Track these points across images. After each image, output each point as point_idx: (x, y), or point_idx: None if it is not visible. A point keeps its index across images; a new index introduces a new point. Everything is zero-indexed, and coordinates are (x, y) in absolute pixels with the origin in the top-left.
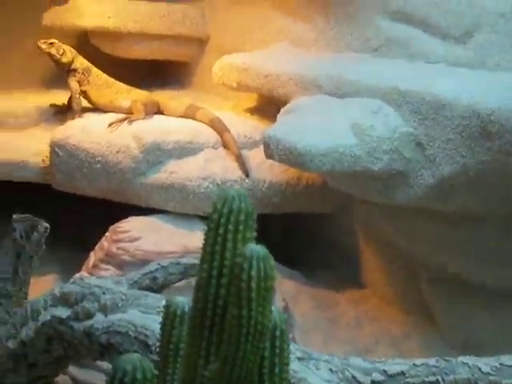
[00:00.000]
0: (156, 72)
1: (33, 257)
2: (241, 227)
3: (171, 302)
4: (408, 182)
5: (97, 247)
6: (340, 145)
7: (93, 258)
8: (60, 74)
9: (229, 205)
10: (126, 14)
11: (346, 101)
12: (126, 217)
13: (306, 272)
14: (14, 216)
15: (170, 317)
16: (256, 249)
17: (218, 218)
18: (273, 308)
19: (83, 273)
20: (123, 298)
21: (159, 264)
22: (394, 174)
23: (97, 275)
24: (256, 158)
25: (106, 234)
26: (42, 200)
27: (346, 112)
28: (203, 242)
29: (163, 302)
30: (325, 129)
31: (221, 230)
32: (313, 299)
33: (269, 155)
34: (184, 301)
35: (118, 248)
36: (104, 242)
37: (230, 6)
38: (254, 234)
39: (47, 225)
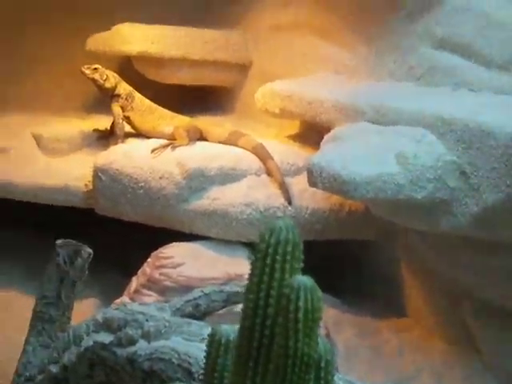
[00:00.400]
0: (198, 98)
1: (76, 282)
2: (288, 258)
3: (216, 331)
4: (451, 211)
5: (139, 272)
6: (384, 173)
7: (135, 283)
8: (102, 99)
9: (276, 235)
10: (169, 40)
11: (389, 129)
12: (168, 242)
13: (348, 299)
14: (58, 241)
15: (214, 345)
16: (303, 280)
17: (266, 248)
18: (319, 339)
19: (125, 298)
20: (166, 324)
21: (202, 291)
22: (438, 203)
23: (139, 301)
24: (299, 184)
25: (149, 259)
26: (83, 223)
27: (389, 140)
28: (250, 271)
29: (206, 330)
30: (368, 157)
31: (268, 260)
32: (355, 327)
33: (312, 183)
34: (229, 329)
35: (160, 274)
36: (146, 268)
37: (273, 33)
38: (301, 264)
39: (91, 250)
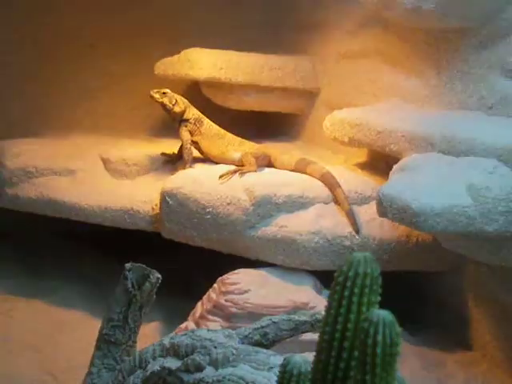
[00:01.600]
0: (266, 124)
1: (143, 306)
2: (366, 291)
3: (289, 361)
4: None
5: (204, 298)
6: (455, 205)
7: (200, 308)
8: (169, 123)
9: (355, 268)
10: (238, 66)
11: (460, 160)
12: (232, 268)
13: (415, 331)
14: (127, 265)
15: (286, 376)
16: (382, 314)
17: (344, 280)
18: (396, 374)
19: (189, 323)
20: (234, 352)
21: (271, 319)
22: (509, 236)
23: (204, 326)
24: (366, 213)
25: (214, 285)
26: (148, 245)
27: (460, 171)
28: (327, 303)
29: (274, 359)
30: (439, 188)
31: (346, 293)
32: (421, 359)
33: (382, 213)
34: (301, 360)
35: (226, 300)
36: (212, 293)
37: (341, 60)
38: (379, 298)
39: (159, 275)
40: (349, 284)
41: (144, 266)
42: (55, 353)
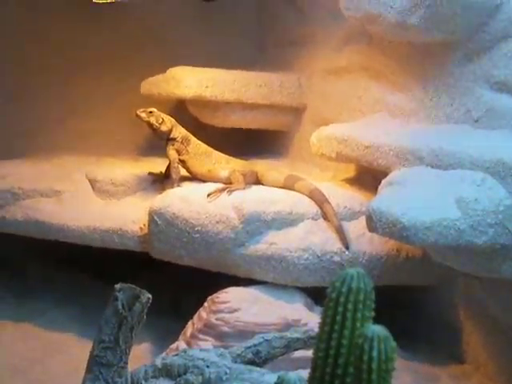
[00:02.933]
0: (252, 141)
1: (134, 327)
2: (360, 306)
3: (283, 379)
4: None
5: (195, 317)
6: (444, 218)
7: (191, 328)
8: (154, 142)
9: (348, 284)
10: (223, 84)
11: (448, 173)
12: (222, 286)
13: (406, 345)
14: (117, 285)
15: None
16: (377, 329)
17: (337, 296)
18: None
19: (181, 343)
20: (227, 371)
21: (263, 337)
22: (499, 249)
23: (195, 346)
24: (355, 229)
25: (205, 304)
26: (136, 266)
27: (449, 185)
28: (321, 320)
29: (267, 377)
30: (428, 202)
31: (339, 309)
32: (413, 373)
33: (372, 228)
34: (296, 378)
35: (217, 319)
36: (202, 313)
37: (327, 76)
38: (372, 313)
39: (149, 295)
40: (342, 300)
41: (134, 286)
42: (45, 376)
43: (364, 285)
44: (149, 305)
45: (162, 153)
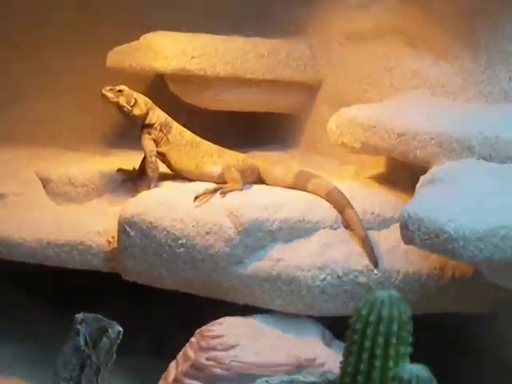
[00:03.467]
0: (252, 128)
1: (100, 369)
2: (393, 341)
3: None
4: None
5: (179, 356)
6: (502, 226)
7: (173, 370)
8: (128, 130)
9: (377, 311)
10: (215, 54)
11: (506, 167)
12: (217, 316)
13: (450, 380)
14: (78, 315)
15: None
16: (415, 370)
17: (364, 328)
18: None
19: None
20: None
21: (267, 382)
22: None
23: None
24: (387, 241)
25: (192, 339)
26: (106, 289)
27: (507, 182)
28: (342, 358)
29: None
30: (481, 205)
31: (367, 344)
32: None
33: (408, 239)
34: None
35: (208, 358)
36: (189, 350)
37: (349, 43)
38: (410, 348)
39: (120, 328)
40: (370, 332)
41: (100, 316)
42: None
43: (398, 312)
44: (119, 340)
45: (137, 144)
